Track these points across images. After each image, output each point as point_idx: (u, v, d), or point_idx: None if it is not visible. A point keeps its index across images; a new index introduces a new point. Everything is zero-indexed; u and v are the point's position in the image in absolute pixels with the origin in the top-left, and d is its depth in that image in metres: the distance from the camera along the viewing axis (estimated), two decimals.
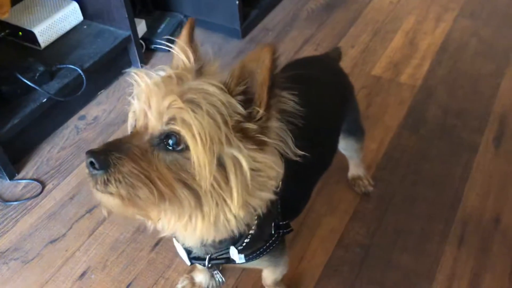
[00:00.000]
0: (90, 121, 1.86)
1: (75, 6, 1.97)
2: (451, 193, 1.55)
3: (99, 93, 1.96)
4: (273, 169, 0.73)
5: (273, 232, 0.90)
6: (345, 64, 2.04)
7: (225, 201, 0.71)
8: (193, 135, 0.66)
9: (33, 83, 1.67)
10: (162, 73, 0.73)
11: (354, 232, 1.46)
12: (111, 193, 0.67)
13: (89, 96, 1.91)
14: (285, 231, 0.93)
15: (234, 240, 0.86)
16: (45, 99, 1.69)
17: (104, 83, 1.98)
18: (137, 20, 2.03)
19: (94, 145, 1.76)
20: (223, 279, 1.04)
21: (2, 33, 1.88)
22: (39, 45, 1.88)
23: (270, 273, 1.19)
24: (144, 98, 0.70)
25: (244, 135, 0.70)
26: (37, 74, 1.70)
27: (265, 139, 0.71)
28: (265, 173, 0.73)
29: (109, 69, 1.96)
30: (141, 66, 2.07)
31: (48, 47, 1.90)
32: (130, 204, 0.69)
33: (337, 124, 1.21)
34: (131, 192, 0.67)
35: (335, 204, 1.54)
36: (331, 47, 2.14)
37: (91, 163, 0.66)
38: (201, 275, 1.31)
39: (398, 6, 2.38)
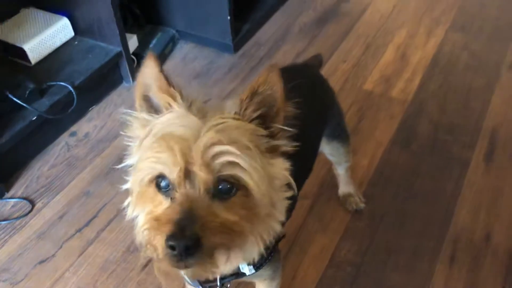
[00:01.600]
0: (81, 137, 1.85)
1: (66, 22, 1.96)
2: (442, 210, 1.55)
3: (90, 109, 1.95)
4: (286, 170, 0.77)
5: (272, 241, 0.90)
6: (337, 78, 2.05)
7: (273, 215, 0.77)
8: (251, 175, 0.69)
9: (23, 101, 1.66)
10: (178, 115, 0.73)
11: (345, 250, 1.45)
12: (199, 263, 0.68)
13: (80, 112, 1.91)
14: (281, 236, 0.93)
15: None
16: (35, 117, 1.68)
17: (95, 99, 1.98)
18: (128, 35, 2.03)
19: (85, 163, 1.75)
20: None
21: None
22: (30, 62, 1.87)
23: (265, 287, 1.16)
24: (177, 156, 0.67)
25: (271, 151, 0.75)
26: (27, 92, 1.69)
27: (282, 146, 0.77)
28: (285, 178, 0.78)
29: (100, 85, 1.96)
30: (133, 82, 2.07)
31: (39, 63, 1.90)
32: (210, 262, 0.71)
33: (319, 129, 1.22)
34: (219, 248, 0.70)
35: (326, 222, 1.53)
36: (323, 61, 2.14)
37: (187, 248, 0.65)
38: None
39: (389, 20, 2.39)
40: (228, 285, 0.99)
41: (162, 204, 0.72)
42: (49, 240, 1.52)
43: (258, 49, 2.24)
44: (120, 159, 0.81)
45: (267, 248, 0.88)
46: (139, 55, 2.12)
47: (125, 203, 0.80)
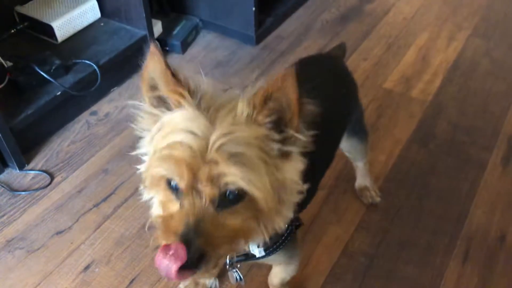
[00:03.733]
0: (101, 117, 1.88)
1: (94, 3, 1.99)
2: (457, 209, 1.55)
3: (112, 90, 1.98)
4: (299, 172, 0.76)
5: (286, 226, 0.91)
6: (358, 75, 2.06)
7: (279, 212, 0.76)
8: (256, 187, 0.68)
9: (48, 75, 1.69)
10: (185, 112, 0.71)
11: (359, 241, 1.46)
12: (204, 271, 0.70)
13: (102, 93, 1.93)
14: (297, 224, 0.95)
15: None
16: (59, 92, 1.70)
17: (118, 81, 2.00)
18: (153, 21, 2.06)
19: (105, 141, 1.77)
20: (242, 277, 1.04)
21: (21, 25, 1.91)
22: (56, 39, 1.90)
23: (280, 271, 1.18)
24: (184, 172, 0.68)
25: (283, 155, 0.73)
26: (53, 67, 1.72)
27: (295, 150, 0.74)
28: (295, 180, 0.76)
29: (123, 67, 1.98)
30: None
31: (65, 41, 1.93)
32: (215, 265, 0.74)
33: (341, 124, 1.21)
34: (224, 254, 0.75)
35: (341, 213, 1.54)
36: (344, 58, 2.16)
37: (191, 262, 0.66)
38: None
39: (412, 23, 2.40)
40: (238, 265, 1.00)
41: (172, 202, 0.74)
42: (66, 212, 1.54)
43: (280, 42, 2.26)
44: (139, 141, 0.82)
45: (281, 235, 0.91)
46: (163, 40, 2.14)
47: (141, 187, 0.81)
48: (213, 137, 0.67)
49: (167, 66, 0.71)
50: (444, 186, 1.62)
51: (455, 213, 1.54)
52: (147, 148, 0.78)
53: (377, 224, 1.51)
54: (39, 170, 1.66)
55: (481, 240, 1.47)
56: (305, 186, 0.79)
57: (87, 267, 1.40)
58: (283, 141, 0.72)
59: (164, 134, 0.72)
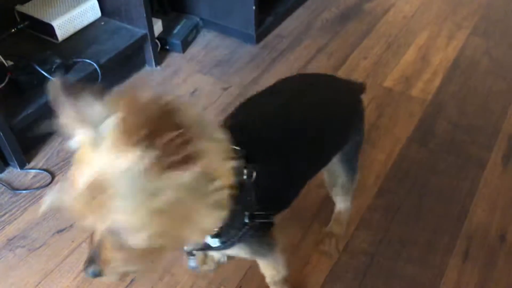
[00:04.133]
0: None
1: (94, 2, 1.99)
2: (458, 207, 1.56)
3: (112, 89, 1.97)
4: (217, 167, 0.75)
5: (247, 220, 0.90)
6: (358, 74, 2.07)
7: (194, 226, 0.73)
8: (136, 229, 0.67)
9: (49, 74, 1.69)
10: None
11: (359, 240, 1.46)
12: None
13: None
14: (262, 221, 0.92)
15: None
16: None
17: (118, 80, 2.00)
18: (153, 20, 2.06)
19: None
20: (198, 266, 1.06)
21: (22, 25, 1.90)
22: (57, 38, 1.90)
23: (263, 267, 1.18)
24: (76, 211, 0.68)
25: (178, 163, 0.65)
26: (54, 66, 1.72)
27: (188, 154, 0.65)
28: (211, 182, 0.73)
29: (123, 66, 1.98)
30: (155, 66, 2.09)
31: (65, 40, 1.93)
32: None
33: (337, 140, 1.14)
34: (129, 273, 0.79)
35: None
36: (344, 57, 2.17)
37: (94, 275, 0.75)
38: None
39: (412, 21, 2.41)
40: (195, 253, 1.02)
41: None
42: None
43: (280, 41, 2.26)
44: None
45: (238, 229, 0.90)
46: (163, 39, 2.15)
47: None
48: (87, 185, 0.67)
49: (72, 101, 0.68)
50: (444, 184, 1.63)
51: (455, 211, 1.54)
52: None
53: (377, 223, 1.51)
54: (40, 169, 1.67)
55: (481, 238, 1.47)
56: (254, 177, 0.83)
57: None
58: (167, 152, 0.64)
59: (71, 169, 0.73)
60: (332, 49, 2.23)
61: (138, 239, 0.68)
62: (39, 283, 1.36)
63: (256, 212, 0.91)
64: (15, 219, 1.52)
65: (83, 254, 1.43)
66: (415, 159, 1.72)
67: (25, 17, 1.92)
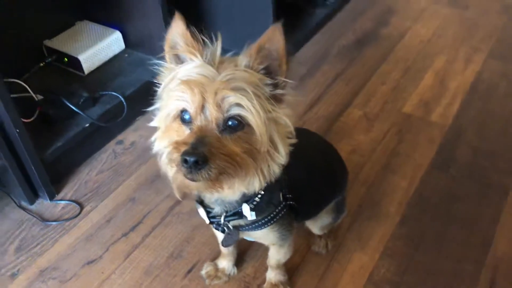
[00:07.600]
0: (127, 146, 1.93)
1: (118, 35, 2.06)
2: (481, 235, 1.56)
3: (137, 119, 2.03)
4: (291, 117, 0.92)
5: (281, 199, 1.07)
6: (376, 100, 2.09)
7: (273, 155, 0.91)
8: (253, 115, 0.84)
9: (77, 108, 1.75)
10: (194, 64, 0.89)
11: (384, 269, 1.48)
12: (206, 179, 0.84)
13: (127, 122, 1.98)
14: (291, 203, 1.10)
15: (247, 199, 1.03)
16: (87, 124, 1.76)
17: (142, 110, 2.05)
18: None
19: (131, 170, 1.82)
20: (230, 229, 1.11)
21: (49, 59, 1.98)
22: (83, 72, 1.97)
23: (275, 252, 1.29)
24: (196, 95, 0.84)
25: (274, 98, 0.89)
26: (81, 100, 1.78)
27: (286, 95, 0.91)
28: (286, 123, 0.92)
29: (147, 97, 2.03)
30: None
31: (91, 73, 1.99)
32: (216, 182, 0.89)
33: (340, 182, 1.38)
34: (222, 173, 0.86)
35: (365, 240, 1.56)
36: (362, 83, 2.20)
37: (196, 162, 0.81)
38: (224, 262, 1.43)
39: (428, 46, 2.43)
40: (231, 227, 1.10)
41: (184, 134, 0.89)
42: (96, 242, 1.58)
43: (299, 67, 2.30)
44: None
45: (274, 205, 1.07)
46: None
47: (153, 138, 0.97)
48: (218, 77, 0.85)
49: (188, 28, 0.90)
50: (466, 211, 1.63)
51: (479, 239, 1.55)
52: (161, 99, 0.94)
53: (401, 251, 1.52)
54: (69, 200, 1.71)
55: (507, 267, 1.47)
56: (294, 141, 0.94)
57: None
58: (275, 86, 0.89)
59: (179, 77, 0.88)
60: (350, 75, 2.26)
61: (252, 121, 0.85)
62: None
63: (287, 194, 1.09)
64: (46, 250, 1.56)
65: (113, 285, 1.46)
66: (437, 185, 1.73)
67: (52, 51, 1.99)
